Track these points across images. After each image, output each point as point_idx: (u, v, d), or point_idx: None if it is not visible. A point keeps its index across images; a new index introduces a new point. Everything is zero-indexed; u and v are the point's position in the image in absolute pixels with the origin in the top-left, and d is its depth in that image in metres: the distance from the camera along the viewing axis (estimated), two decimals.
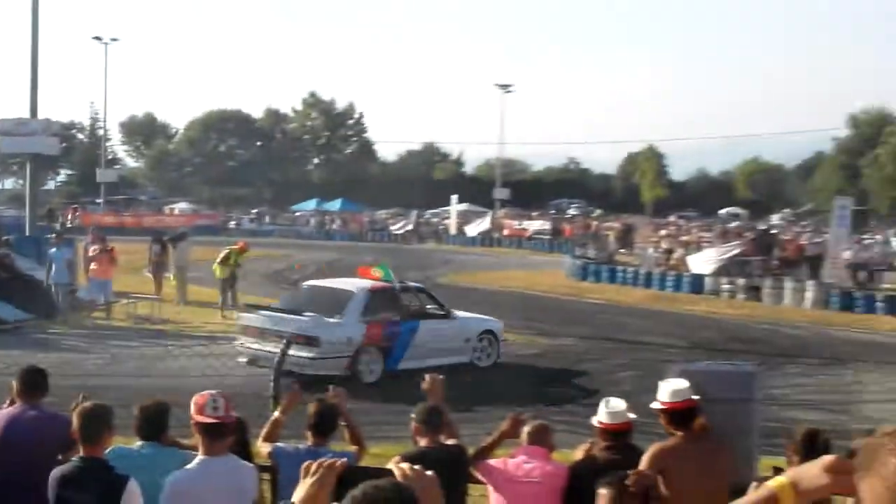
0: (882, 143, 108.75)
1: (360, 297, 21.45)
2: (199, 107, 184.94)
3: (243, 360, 20.93)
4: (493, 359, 22.88)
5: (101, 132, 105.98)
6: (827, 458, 2.76)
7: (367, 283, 22.49)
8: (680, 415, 7.73)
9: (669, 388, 7.76)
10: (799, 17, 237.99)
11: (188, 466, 6.95)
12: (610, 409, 8.09)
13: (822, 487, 2.73)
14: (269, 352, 18.82)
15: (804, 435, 7.43)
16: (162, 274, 33.93)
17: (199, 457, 6.95)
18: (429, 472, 3.44)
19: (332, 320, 20.73)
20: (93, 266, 29.12)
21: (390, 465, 3.44)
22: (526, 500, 7.52)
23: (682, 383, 7.85)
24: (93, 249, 29.49)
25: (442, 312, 22.83)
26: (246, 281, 34.79)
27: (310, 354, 19.61)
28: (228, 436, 7.05)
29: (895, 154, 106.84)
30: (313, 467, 3.61)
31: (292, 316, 20.51)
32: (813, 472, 2.75)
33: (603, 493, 6.24)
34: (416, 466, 3.43)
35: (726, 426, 8.55)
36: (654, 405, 7.80)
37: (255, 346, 20.84)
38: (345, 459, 3.81)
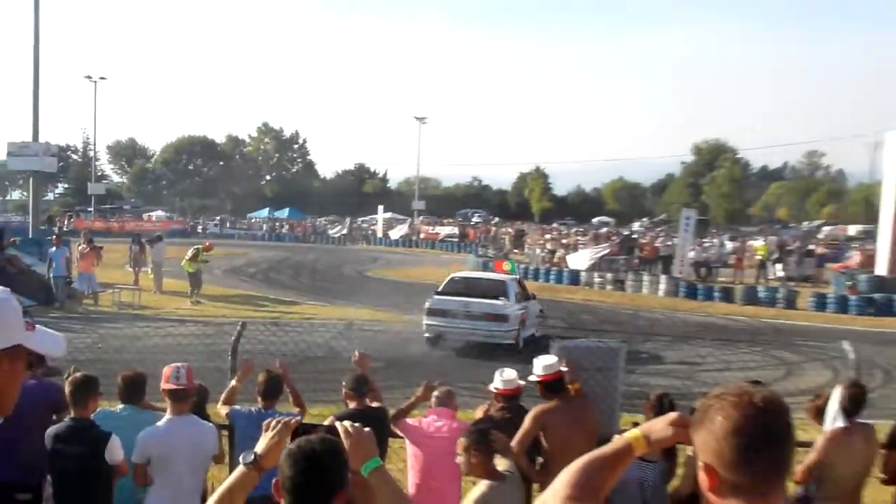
0: (718, 167, 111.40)
1: (511, 285, 22.85)
2: (173, 132, 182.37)
3: (428, 335, 21.94)
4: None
5: (91, 153, 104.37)
6: (671, 415, 2.81)
7: (506, 275, 24.55)
8: (551, 384, 7.75)
9: (541, 364, 7.80)
10: (657, 63, 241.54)
11: (157, 424, 6.98)
12: (504, 377, 8.12)
13: (667, 438, 2.79)
14: (456, 328, 21.50)
15: (655, 397, 7.65)
16: (140, 269, 33.78)
17: (167, 416, 7.00)
18: (366, 429, 3.43)
19: (506, 302, 21.96)
20: (79, 261, 28.72)
21: (328, 422, 3.43)
22: (437, 451, 7.50)
23: (551, 358, 7.90)
24: (81, 248, 29.04)
25: (530, 295, 24.00)
26: (210, 275, 34.42)
27: (500, 328, 21.40)
28: (190, 400, 7.09)
29: (729, 176, 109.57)
30: (272, 423, 3.58)
31: (483, 300, 21.76)
32: (660, 425, 2.80)
33: (460, 441, 6.25)
34: (356, 424, 3.43)
35: (597, 390, 8.65)
36: (531, 378, 7.85)
37: (442, 324, 21.88)
38: (298, 418, 3.79)
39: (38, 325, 2.54)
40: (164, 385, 6.96)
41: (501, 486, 6.01)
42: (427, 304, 22.49)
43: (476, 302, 21.83)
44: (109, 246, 34.49)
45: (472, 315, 21.73)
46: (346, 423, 3.44)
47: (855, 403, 7.13)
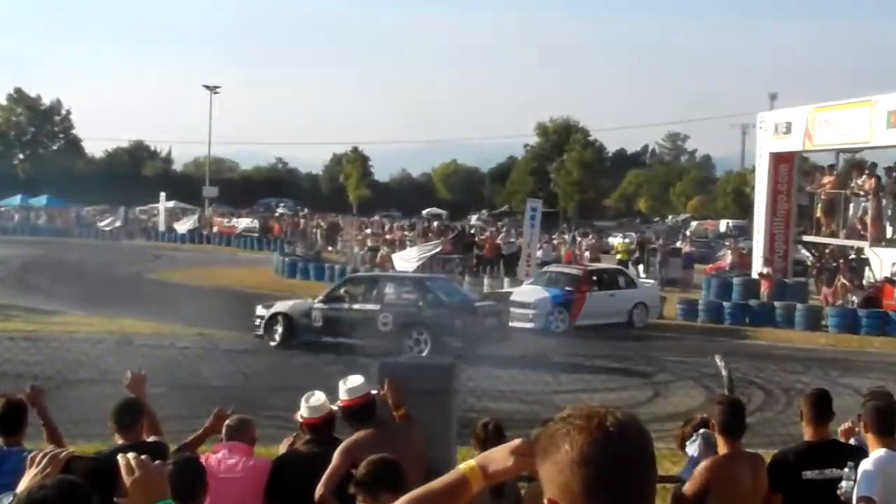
0: (568, 150, 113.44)
1: None
2: None
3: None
4: None
5: None
6: (512, 443, 2.83)
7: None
8: (356, 411, 7.78)
9: (345, 388, 7.81)
10: (493, 40, 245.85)
11: None
12: (311, 403, 8.01)
13: (508, 469, 2.82)
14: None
15: (481, 425, 7.83)
16: None
17: None
18: (156, 462, 3.33)
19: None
20: None
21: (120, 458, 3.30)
22: (228, 496, 7.35)
23: (357, 379, 7.92)
24: None
25: None
26: None
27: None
28: None
29: (579, 161, 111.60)
30: (38, 457, 3.44)
31: None
32: (499, 455, 2.83)
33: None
34: (143, 456, 3.31)
35: (427, 415, 8.69)
36: (336, 405, 7.85)
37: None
38: (71, 451, 3.65)
39: None
40: None
41: None
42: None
43: None
44: None
45: None
46: (131, 455, 3.33)
47: (736, 425, 7.13)
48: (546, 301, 30.76)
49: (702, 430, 7.59)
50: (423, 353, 23.22)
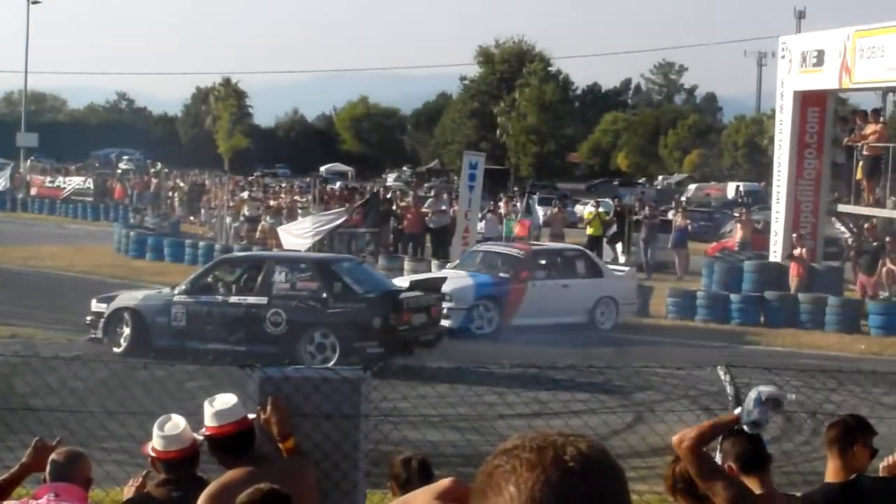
0: (520, 86, 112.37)
1: None
2: None
3: None
4: None
5: None
6: (440, 484, 2.84)
7: None
8: (228, 442, 7.84)
9: (213, 410, 7.83)
10: None
11: None
12: (166, 431, 7.96)
13: None
14: None
15: (400, 461, 7.77)
16: None
17: None
18: None
19: None
20: None
21: None
22: None
23: (229, 399, 7.94)
24: None
25: None
26: None
27: None
28: None
29: (537, 100, 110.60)
30: None
31: None
32: (421, 499, 2.84)
33: None
34: None
35: (326, 447, 8.73)
36: (201, 433, 7.86)
37: None
38: None
39: None
40: None
41: None
42: None
43: None
44: None
45: None
46: None
47: (758, 455, 7.26)
48: (467, 291, 30.47)
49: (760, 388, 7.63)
50: (330, 363, 23.00)
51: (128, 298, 26.19)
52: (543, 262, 33.21)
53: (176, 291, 25.89)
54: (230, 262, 28.58)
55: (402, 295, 26.00)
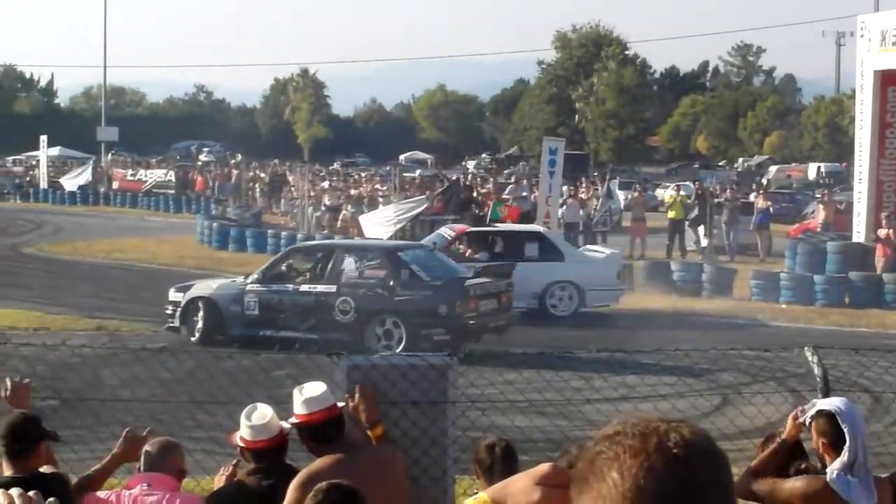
0: (598, 70, 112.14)
1: None
2: None
3: None
4: None
5: None
6: (539, 469, 2.83)
7: None
8: (318, 429, 7.83)
9: (302, 398, 7.81)
10: None
11: None
12: (253, 421, 7.96)
13: None
14: None
15: (485, 447, 7.59)
16: None
17: None
18: (49, 500, 3.37)
19: None
20: None
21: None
22: None
23: (318, 388, 7.93)
24: None
25: None
26: None
27: None
28: None
29: (615, 84, 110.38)
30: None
31: None
32: (521, 487, 2.82)
33: None
34: (31, 493, 3.35)
35: (414, 434, 8.73)
36: (290, 422, 7.87)
37: None
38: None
39: None
40: None
41: None
42: None
43: None
44: None
45: None
46: (15, 491, 3.38)
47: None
48: None
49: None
50: (397, 350, 23.00)
51: (203, 288, 26.45)
52: (477, 244, 32.58)
53: (249, 280, 26.07)
54: (301, 251, 28.91)
55: (469, 282, 25.98)
